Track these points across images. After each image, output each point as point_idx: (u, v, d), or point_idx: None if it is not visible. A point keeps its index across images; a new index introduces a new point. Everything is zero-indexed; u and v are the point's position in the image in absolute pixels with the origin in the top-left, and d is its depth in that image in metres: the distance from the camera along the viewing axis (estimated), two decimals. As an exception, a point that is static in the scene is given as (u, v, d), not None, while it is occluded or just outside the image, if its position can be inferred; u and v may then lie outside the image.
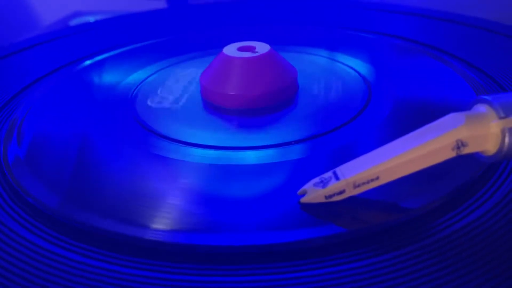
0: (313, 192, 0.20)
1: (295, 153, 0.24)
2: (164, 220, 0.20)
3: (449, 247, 0.18)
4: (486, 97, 0.19)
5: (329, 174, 0.20)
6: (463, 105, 0.20)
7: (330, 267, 0.18)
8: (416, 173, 0.19)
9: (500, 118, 0.19)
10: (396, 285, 0.17)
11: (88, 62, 0.36)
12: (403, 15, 0.43)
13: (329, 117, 0.27)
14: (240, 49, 0.29)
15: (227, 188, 0.22)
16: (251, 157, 0.24)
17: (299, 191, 0.20)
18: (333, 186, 0.19)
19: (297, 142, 0.25)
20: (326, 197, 0.20)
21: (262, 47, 0.29)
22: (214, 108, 0.28)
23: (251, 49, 0.29)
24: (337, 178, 0.20)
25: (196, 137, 0.25)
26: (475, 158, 0.20)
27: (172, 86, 0.31)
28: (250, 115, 0.27)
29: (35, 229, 0.20)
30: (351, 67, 0.32)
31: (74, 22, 0.56)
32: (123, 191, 0.22)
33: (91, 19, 0.54)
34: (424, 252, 0.18)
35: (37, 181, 0.23)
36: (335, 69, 0.32)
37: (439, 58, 0.33)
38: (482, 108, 0.19)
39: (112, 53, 0.37)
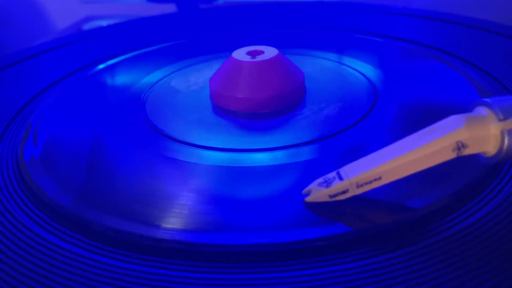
0: (317, 192, 0.20)
1: (303, 155, 0.24)
2: (175, 220, 0.21)
3: (453, 247, 0.18)
4: (486, 100, 0.20)
5: (333, 174, 0.20)
6: (469, 107, 0.21)
7: (335, 265, 0.18)
8: (420, 174, 0.20)
9: (500, 120, 0.19)
10: (400, 282, 0.17)
11: (101, 66, 0.36)
12: (408, 18, 0.43)
13: (336, 119, 0.27)
14: (249, 53, 0.30)
15: (236, 189, 0.22)
16: (260, 159, 0.24)
17: (304, 191, 0.21)
18: (337, 186, 0.20)
19: (305, 144, 0.25)
20: (330, 197, 0.20)
21: (270, 51, 0.30)
22: (223, 111, 0.29)
23: (259, 53, 0.30)
24: (340, 178, 0.20)
25: (206, 140, 0.26)
26: (476, 159, 0.20)
27: (182, 89, 0.32)
28: (259, 118, 0.28)
29: (49, 227, 0.21)
30: (357, 70, 0.32)
31: (87, 26, 0.57)
32: (135, 191, 0.22)
33: (104, 23, 0.55)
34: (428, 252, 0.18)
35: (52, 181, 0.23)
36: (341, 72, 0.33)
37: (444, 61, 0.33)
38: (482, 110, 0.20)
39: (124, 57, 0.38)
